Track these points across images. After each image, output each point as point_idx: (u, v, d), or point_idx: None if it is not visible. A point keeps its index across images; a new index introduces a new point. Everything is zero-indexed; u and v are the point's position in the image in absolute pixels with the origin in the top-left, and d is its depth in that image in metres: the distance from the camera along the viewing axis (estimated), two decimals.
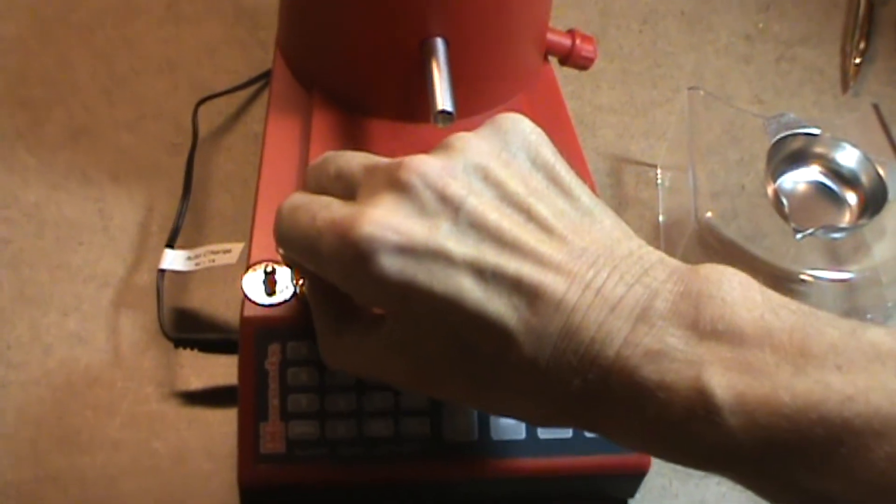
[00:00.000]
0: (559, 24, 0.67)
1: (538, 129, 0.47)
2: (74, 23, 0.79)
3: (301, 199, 0.48)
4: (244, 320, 0.55)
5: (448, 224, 0.43)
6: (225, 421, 0.61)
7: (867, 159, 0.71)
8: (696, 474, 0.62)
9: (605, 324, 0.42)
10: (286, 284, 0.56)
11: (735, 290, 0.42)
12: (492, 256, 0.43)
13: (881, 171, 0.71)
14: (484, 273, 0.43)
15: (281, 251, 0.52)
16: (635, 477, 0.58)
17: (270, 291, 0.56)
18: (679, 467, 0.61)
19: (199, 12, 0.80)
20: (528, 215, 0.44)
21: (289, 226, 0.48)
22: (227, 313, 0.65)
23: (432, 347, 0.45)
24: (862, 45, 0.82)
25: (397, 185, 0.44)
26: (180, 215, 0.67)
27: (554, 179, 0.46)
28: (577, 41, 0.67)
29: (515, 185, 0.44)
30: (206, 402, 0.62)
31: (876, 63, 0.83)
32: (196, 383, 0.63)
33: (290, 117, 0.64)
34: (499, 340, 0.43)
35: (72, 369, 0.63)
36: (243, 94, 0.75)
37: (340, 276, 0.45)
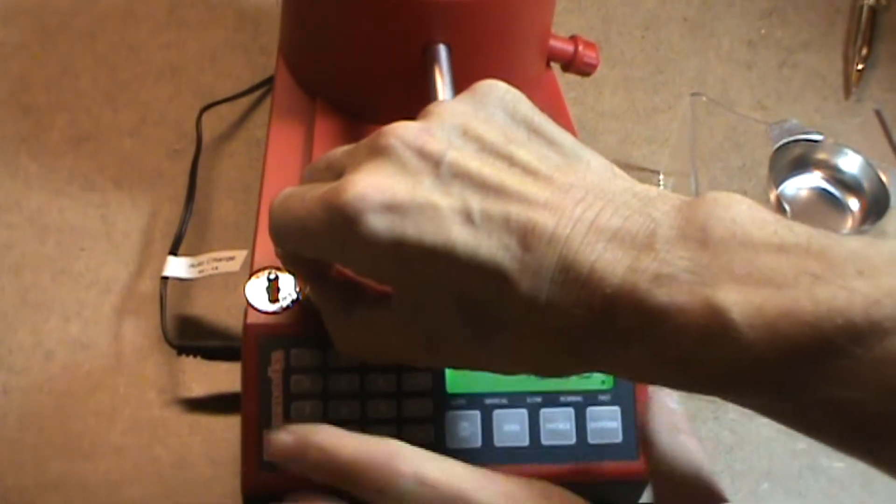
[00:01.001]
0: (562, 31, 0.67)
1: (514, 90, 0.47)
2: (77, 29, 0.79)
3: (291, 189, 0.49)
4: (247, 327, 0.55)
5: (431, 178, 0.44)
6: (227, 427, 0.61)
7: (869, 165, 0.72)
8: None
9: (606, 252, 0.41)
10: (289, 291, 0.56)
11: (744, 212, 0.41)
12: (477, 202, 0.43)
13: (883, 177, 0.71)
14: (471, 218, 0.43)
15: (279, 252, 0.52)
16: (638, 483, 0.58)
17: (273, 299, 0.56)
18: None
19: (200, 18, 0.80)
20: (510, 161, 0.44)
21: (280, 213, 0.48)
22: (230, 320, 0.65)
23: (434, 309, 0.45)
24: (864, 51, 0.82)
25: (377, 150, 0.45)
26: (184, 222, 0.67)
27: (535, 130, 0.46)
28: (580, 47, 0.67)
29: (495, 136, 0.45)
30: (209, 408, 0.62)
31: (878, 69, 0.83)
32: (198, 390, 0.63)
33: (293, 123, 0.64)
34: (495, 283, 0.43)
35: (74, 375, 0.63)
36: (246, 101, 0.75)
37: (335, 249, 0.46)
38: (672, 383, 0.43)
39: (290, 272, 0.55)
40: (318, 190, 0.46)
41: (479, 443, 0.55)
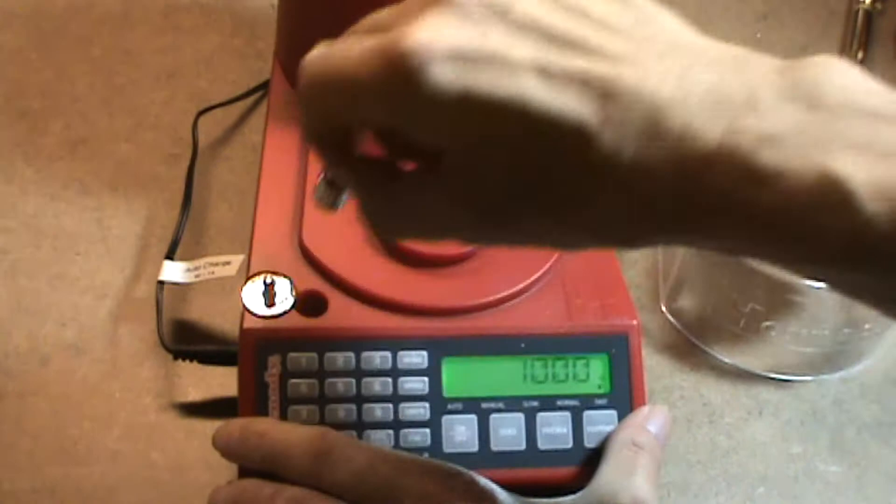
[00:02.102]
0: None
1: None
2: (73, 34, 0.79)
3: (329, 44, 0.44)
4: (244, 332, 0.55)
5: (500, 28, 0.39)
6: None
7: None
8: (694, 486, 0.62)
9: (703, 110, 0.38)
10: (286, 296, 0.56)
11: (856, 78, 0.38)
12: (553, 55, 0.39)
13: None
14: (547, 71, 0.39)
15: (306, 123, 0.45)
16: None
17: (270, 303, 0.56)
18: (677, 479, 0.61)
19: (196, 23, 0.80)
20: (584, 14, 0.40)
21: (320, 68, 0.43)
22: (226, 325, 0.65)
23: (498, 178, 0.41)
24: (860, 55, 0.83)
25: (436, 1, 0.40)
26: (180, 226, 0.67)
27: None
28: None
29: None
30: (205, 413, 0.62)
31: (873, 72, 0.82)
32: (194, 394, 0.63)
33: (289, 128, 0.64)
34: (573, 140, 0.39)
35: (69, 380, 0.63)
36: (242, 105, 0.75)
37: (389, 106, 0.41)
38: (770, 254, 0.39)
39: (315, 147, 0.47)
40: (369, 41, 0.41)
41: (475, 447, 0.55)
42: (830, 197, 0.36)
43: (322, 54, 0.43)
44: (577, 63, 0.39)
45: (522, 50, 0.39)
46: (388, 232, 0.48)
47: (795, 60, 0.39)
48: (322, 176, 0.49)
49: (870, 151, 0.36)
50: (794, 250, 0.38)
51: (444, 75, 0.39)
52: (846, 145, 0.36)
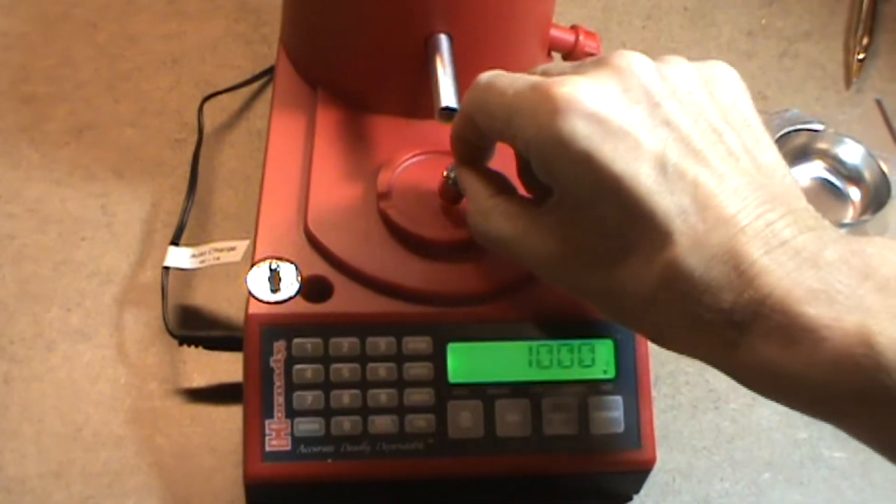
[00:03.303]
0: (562, 21, 0.67)
1: (743, 85, 0.49)
2: (77, 19, 0.79)
3: (502, 72, 0.50)
4: (249, 317, 0.55)
5: (645, 113, 0.45)
6: (228, 417, 0.61)
7: (870, 155, 0.72)
8: (699, 471, 0.62)
9: (773, 253, 0.42)
10: (291, 281, 0.56)
11: None
12: (676, 156, 0.44)
13: (884, 167, 0.71)
14: (665, 167, 0.44)
15: (455, 129, 0.53)
16: (640, 473, 0.58)
17: (275, 288, 0.56)
18: (682, 465, 0.61)
19: (201, 8, 0.80)
20: (719, 137, 0.46)
21: (486, 86, 0.50)
22: (231, 310, 0.65)
23: (588, 229, 0.47)
24: (865, 41, 0.82)
25: (609, 65, 0.47)
26: (185, 212, 0.67)
27: (748, 125, 0.47)
28: (581, 37, 0.67)
29: (712, 110, 0.46)
30: (210, 398, 0.62)
31: (879, 59, 0.83)
32: (199, 380, 0.63)
33: (294, 114, 0.64)
34: (657, 236, 0.44)
35: (74, 365, 0.63)
36: (247, 91, 0.75)
37: (530, 132, 0.46)
38: (793, 399, 0.44)
39: (455, 145, 0.55)
40: (533, 79, 0.48)
41: (481, 433, 0.55)
42: (858, 352, 0.40)
43: (496, 74, 0.50)
44: (693, 171, 0.44)
45: (654, 140, 0.45)
46: (480, 229, 0.53)
47: (863, 237, 0.45)
48: (448, 173, 0.56)
49: None
50: (816, 396, 0.43)
51: (581, 129, 0.44)
52: (884, 309, 0.41)
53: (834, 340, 0.40)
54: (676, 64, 0.48)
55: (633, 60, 0.47)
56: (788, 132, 0.72)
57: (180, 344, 0.61)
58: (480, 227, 0.53)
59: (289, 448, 0.54)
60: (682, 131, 0.45)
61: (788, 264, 0.42)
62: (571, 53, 0.68)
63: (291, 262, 0.56)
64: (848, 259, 0.42)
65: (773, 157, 0.47)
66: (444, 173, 0.57)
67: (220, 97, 0.74)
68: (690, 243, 0.43)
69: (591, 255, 0.47)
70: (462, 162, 0.54)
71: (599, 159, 0.44)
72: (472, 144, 0.53)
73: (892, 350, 0.40)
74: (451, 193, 0.57)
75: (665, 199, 0.44)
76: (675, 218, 0.43)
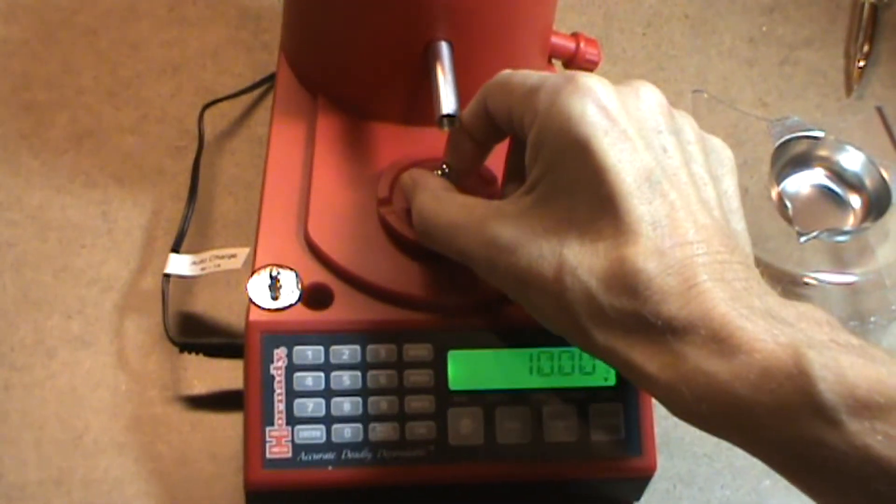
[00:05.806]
0: (563, 28, 0.67)
1: (734, 164, 0.53)
2: (78, 26, 0.78)
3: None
4: (250, 325, 0.55)
5: (648, 134, 0.49)
6: (229, 425, 0.61)
7: (871, 162, 0.72)
8: (700, 479, 0.62)
9: (723, 281, 0.45)
10: (291, 289, 0.56)
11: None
12: (663, 177, 0.47)
13: (885, 174, 0.71)
14: (650, 180, 0.47)
15: (465, 114, 0.55)
16: (641, 481, 0.58)
17: (276, 296, 0.56)
18: (683, 472, 0.61)
19: (202, 15, 0.80)
20: (702, 188, 0.49)
21: (509, 73, 0.53)
22: (232, 318, 0.65)
23: (554, 216, 0.49)
24: (866, 48, 0.82)
25: (631, 84, 0.51)
26: (185, 219, 0.67)
27: (728, 197, 0.52)
28: (581, 44, 0.67)
29: (703, 166, 0.50)
30: (210, 405, 0.62)
31: (880, 66, 0.83)
32: (200, 387, 0.63)
33: (295, 121, 0.64)
34: (621, 234, 0.46)
35: (75, 372, 0.63)
36: (248, 98, 0.75)
37: (544, 105, 0.49)
38: (709, 410, 0.46)
39: (464, 127, 0.56)
40: (546, 73, 0.52)
41: (481, 440, 0.55)
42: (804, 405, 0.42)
43: (512, 72, 0.53)
44: (675, 193, 0.47)
45: (648, 155, 0.48)
46: (426, 221, 0.54)
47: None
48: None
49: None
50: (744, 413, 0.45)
51: (590, 113, 0.48)
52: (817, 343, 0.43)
53: (766, 352, 0.43)
54: (686, 117, 0.52)
55: (653, 94, 0.50)
56: (789, 139, 0.72)
57: (181, 351, 0.61)
58: (430, 211, 0.54)
59: (289, 455, 0.54)
60: (674, 163, 0.49)
61: (737, 287, 0.45)
62: (572, 61, 0.68)
63: (292, 270, 0.56)
64: (790, 304, 0.46)
65: (742, 228, 0.52)
66: (438, 173, 0.57)
67: (220, 104, 0.74)
68: (653, 250, 0.46)
69: (545, 241, 0.48)
70: (461, 143, 0.57)
71: (596, 146, 0.47)
72: (468, 146, 0.56)
73: (821, 365, 0.42)
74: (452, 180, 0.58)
75: (642, 205, 0.47)
76: (647, 225, 0.46)
